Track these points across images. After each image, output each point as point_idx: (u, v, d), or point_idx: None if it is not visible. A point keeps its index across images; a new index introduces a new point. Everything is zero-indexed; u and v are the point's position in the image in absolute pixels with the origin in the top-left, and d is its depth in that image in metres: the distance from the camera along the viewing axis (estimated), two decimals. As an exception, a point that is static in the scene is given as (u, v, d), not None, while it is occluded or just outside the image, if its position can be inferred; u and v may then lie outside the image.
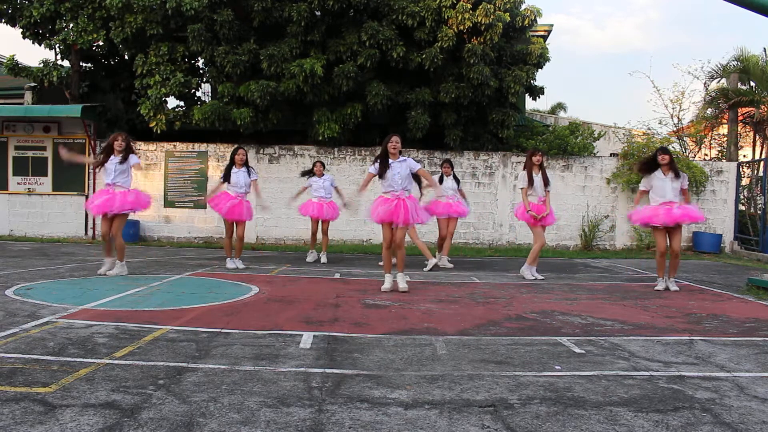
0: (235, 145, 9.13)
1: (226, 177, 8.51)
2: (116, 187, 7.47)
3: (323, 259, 9.79)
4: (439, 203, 9.18)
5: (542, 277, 8.14)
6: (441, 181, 9.31)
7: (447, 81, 12.45)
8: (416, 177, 6.89)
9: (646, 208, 7.35)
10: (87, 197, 13.00)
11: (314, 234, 9.85)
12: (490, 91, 12.41)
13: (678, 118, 16.67)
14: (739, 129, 15.59)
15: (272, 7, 11.95)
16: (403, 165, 6.61)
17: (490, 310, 5.73)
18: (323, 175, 9.73)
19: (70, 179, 13.05)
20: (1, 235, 12.98)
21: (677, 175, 7.18)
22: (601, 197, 13.49)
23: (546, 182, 8.14)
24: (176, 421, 2.75)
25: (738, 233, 13.71)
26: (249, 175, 8.60)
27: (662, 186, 7.18)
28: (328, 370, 3.61)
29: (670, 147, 13.80)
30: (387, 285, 6.73)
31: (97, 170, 7.62)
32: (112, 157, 7.53)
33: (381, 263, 9.52)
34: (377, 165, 6.66)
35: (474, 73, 11.97)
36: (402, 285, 6.68)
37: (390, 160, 6.60)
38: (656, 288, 7.37)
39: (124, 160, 7.54)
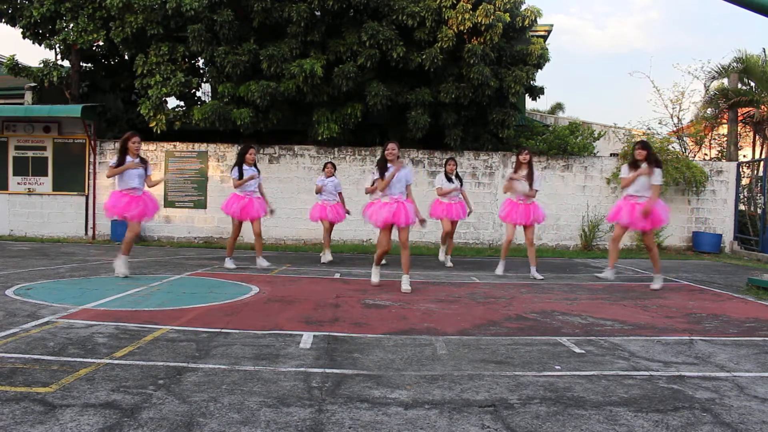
0: (244, 144, 9.01)
1: (242, 175, 8.39)
2: (138, 192, 7.32)
3: (323, 259, 9.77)
4: (441, 204, 9.14)
5: (542, 277, 8.15)
6: (449, 179, 9.21)
7: (447, 81, 12.45)
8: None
9: (618, 204, 7.58)
10: (87, 197, 13.03)
11: (327, 233, 9.72)
12: (490, 91, 12.41)
13: (678, 118, 16.69)
14: (739, 129, 15.58)
15: (272, 8, 11.95)
16: (401, 171, 6.91)
17: (490, 310, 5.73)
18: (332, 176, 9.67)
19: (70, 179, 13.05)
20: (1, 235, 12.99)
21: (652, 171, 7.22)
22: (601, 197, 13.49)
23: (531, 182, 8.07)
24: (176, 421, 2.75)
25: (738, 233, 13.71)
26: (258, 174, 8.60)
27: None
28: (328, 370, 3.61)
29: (671, 147, 13.85)
30: (375, 279, 7.09)
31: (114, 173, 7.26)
32: (129, 158, 7.28)
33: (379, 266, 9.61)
34: (376, 172, 6.98)
35: (474, 73, 11.96)
36: (405, 286, 6.79)
37: (389, 166, 6.88)
38: (601, 275, 7.67)
39: (144, 164, 7.41)
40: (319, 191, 9.62)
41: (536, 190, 8.15)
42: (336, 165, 10.00)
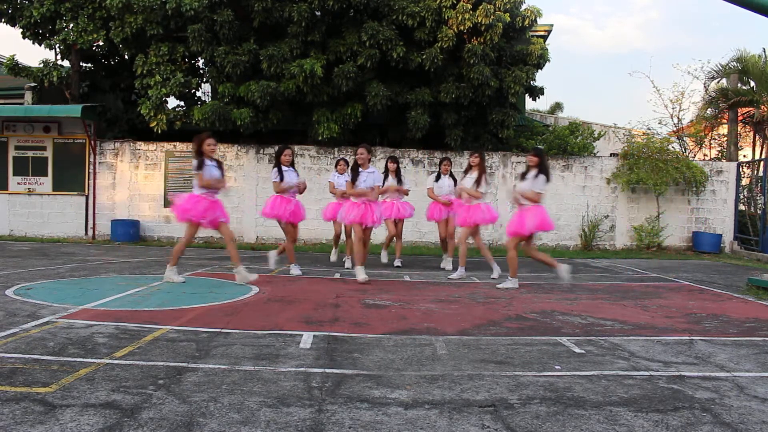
0: (281, 145, 8.51)
1: (282, 177, 7.99)
2: (215, 195, 6.98)
3: (348, 264, 9.11)
4: (436, 206, 9.05)
5: (457, 276, 8.14)
6: (438, 178, 9.09)
7: (447, 81, 12.45)
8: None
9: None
10: (87, 197, 13.03)
11: (338, 236, 9.44)
12: (490, 91, 12.41)
13: (678, 118, 16.70)
14: (739, 129, 15.59)
15: (272, 8, 11.95)
16: (370, 176, 7.56)
17: (490, 310, 5.73)
18: (345, 173, 9.46)
19: (70, 179, 13.05)
20: (1, 235, 12.99)
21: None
22: (601, 197, 13.49)
23: (478, 183, 7.96)
24: (176, 421, 2.75)
25: (738, 233, 13.71)
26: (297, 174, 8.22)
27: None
28: (328, 370, 3.61)
29: (670, 147, 13.85)
30: (363, 275, 7.38)
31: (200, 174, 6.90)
32: (207, 161, 6.90)
33: (385, 261, 9.50)
34: (350, 174, 7.64)
35: (474, 73, 11.96)
36: (361, 275, 7.57)
37: (360, 170, 7.50)
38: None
39: (220, 166, 7.09)
40: (333, 191, 9.26)
41: (482, 192, 8.08)
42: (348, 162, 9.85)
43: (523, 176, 7.34)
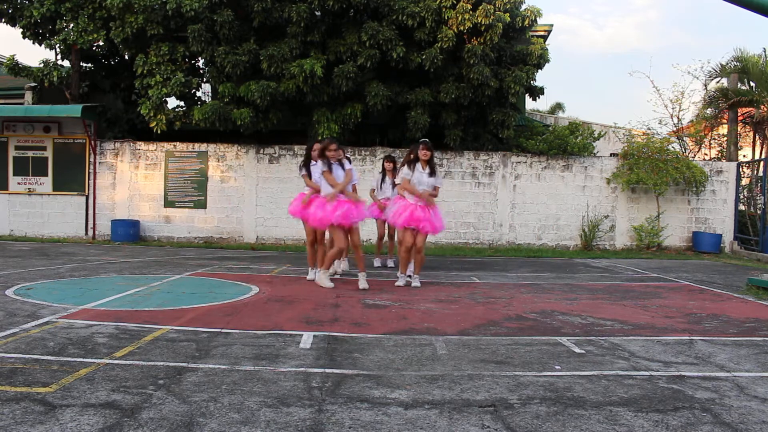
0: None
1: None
2: (343, 196, 6.95)
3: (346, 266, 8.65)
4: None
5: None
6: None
7: (447, 81, 12.45)
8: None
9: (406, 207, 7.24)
10: (87, 197, 13.03)
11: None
12: (490, 91, 12.40)
13: (678, 118, 16.68)
14: (738, 129, 15.58)
15: (272, 8, 11.95)
16: (338, 170, 7.18)
17: (490, 310, 5.73)
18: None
19: (70, 179, 13.04)
20: (1, 235, 12.98)
21: (433, 172, 7.14)
22: (601, 197, 13.49)
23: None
24: (176, 421, 2.75)
25: (738, 233, 13.71)
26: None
27: (419, 179, 7.09)
28: (328, 370, 3.61)
29: (670, 147, 13.84)
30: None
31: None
32: (334, 165, 6.97)
33: (381, 264, 9.51)
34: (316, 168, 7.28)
35: (474, 73, 11.96)
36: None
37: (332, 165, 7.21)
38: (396, 284, 7.18)
39: (342, 166, 7.07)
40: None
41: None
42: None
43: (410, 168, 7.07)
